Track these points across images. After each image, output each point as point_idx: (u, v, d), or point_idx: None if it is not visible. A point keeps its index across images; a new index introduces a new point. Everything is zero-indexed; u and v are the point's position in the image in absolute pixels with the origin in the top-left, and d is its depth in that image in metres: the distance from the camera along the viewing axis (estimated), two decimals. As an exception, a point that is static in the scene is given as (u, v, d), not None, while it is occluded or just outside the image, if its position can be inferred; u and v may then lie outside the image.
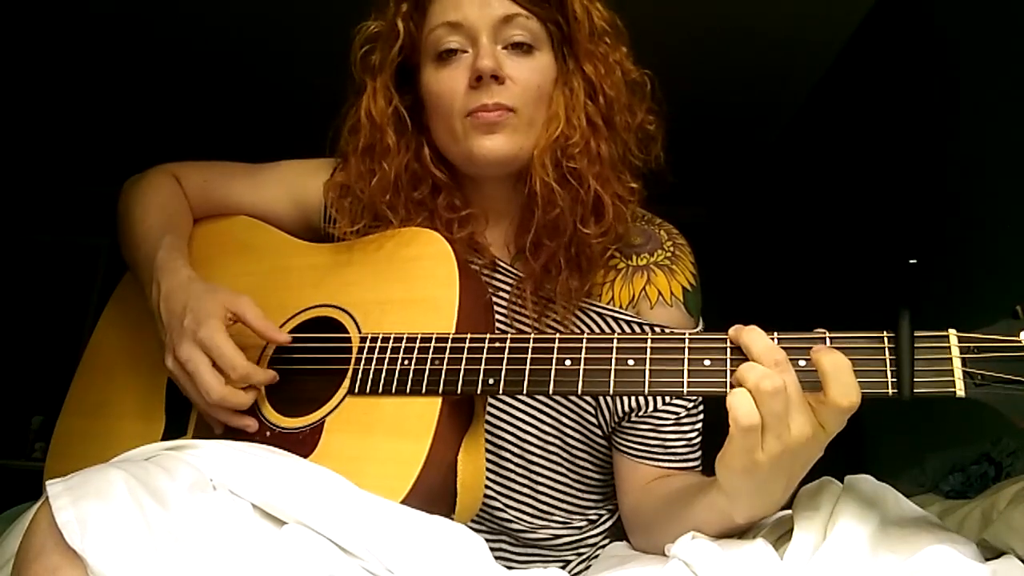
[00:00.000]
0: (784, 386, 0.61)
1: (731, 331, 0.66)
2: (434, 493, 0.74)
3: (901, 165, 2.71)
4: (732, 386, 0.63)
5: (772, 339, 0.65)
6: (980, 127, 2.25)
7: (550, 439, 0.93)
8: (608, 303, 0.94)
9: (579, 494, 0.96)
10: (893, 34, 2.80)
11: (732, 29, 3.02)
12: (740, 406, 0.61)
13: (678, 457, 0.91)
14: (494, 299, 0.91)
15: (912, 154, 2.63)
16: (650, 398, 0.91)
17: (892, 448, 2.57)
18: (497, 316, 0.91)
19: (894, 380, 0.62)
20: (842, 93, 3.25)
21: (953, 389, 0.61)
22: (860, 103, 3.08)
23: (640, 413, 0.91)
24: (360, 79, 0.94)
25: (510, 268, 0.96)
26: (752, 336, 0.64)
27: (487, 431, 0.88)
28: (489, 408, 0.90)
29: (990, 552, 0.69)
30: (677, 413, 0.91)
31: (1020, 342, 0.60)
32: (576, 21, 0.90)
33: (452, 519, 0.75)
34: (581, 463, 0.95)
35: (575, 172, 0.87)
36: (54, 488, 0.56)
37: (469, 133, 0.88)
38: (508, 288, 0.95)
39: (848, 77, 3.17)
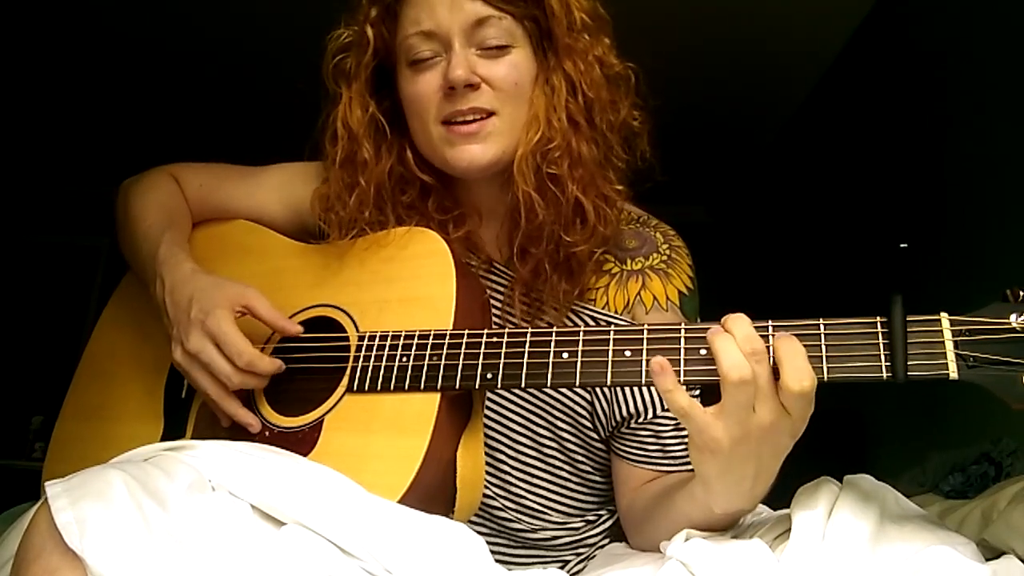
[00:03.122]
0: (753, 377, 0.62)
1: (722, 320, 0.67)
2: (433, 489, 0.74)
3: (893, 160, 2.72)
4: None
5: (767, 327, 0.65)
6: (974, 125, 2.27)
7: (545, 441, 0.93)
8: (603, 308, 0.93)
9: (578, 495, 0.96)
10: (891, 35, 2.81)
11: (731, 30, 3.02)
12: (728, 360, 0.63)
13: (677, 461, 0.91)
14: (490, 300, 0.90)
15: (907, 151, 2.64)
16: (650, 405, 0.90)
17: (892, 448, 2.57)
18: (493, 317, 0.91)
19: (888, 364, 0.63)
20: (840, 94, 3.26)
21: (946, 371, 0.61)
22: (857, 103, 3.08)
23: (640, 420, 0.90)
24: (334, 88, 0.93)
25: (504, 269, 0.96)
26: (736, 324, 0.65)
27: (483, 436, 0.88)
28: (483, 412, 0.90)
29: (990, 552, 0.69)
30: (676, 418, 0.91)
31: (1011, 324, 0.61)
32: (554, 16, 0.87)
33: (452, 516, 0.75)
34: (580, 465, 0.95)
35: (555, 178, 0.86)
36: (53, 489, 0.56)
37: (446, 142, 0.87)
38: (503, 289, 0.94)
39: (846, 78, 3.17)
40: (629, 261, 0.95)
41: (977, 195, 2.24)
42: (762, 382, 0.62)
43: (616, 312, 0.93)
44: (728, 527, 0.75)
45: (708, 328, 0.68)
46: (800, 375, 0.61)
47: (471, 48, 0.86)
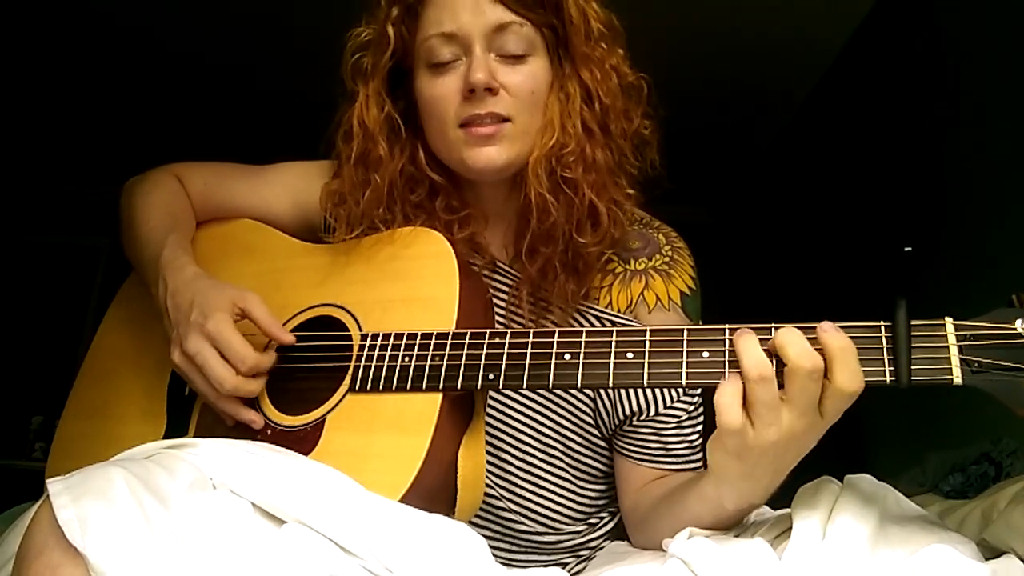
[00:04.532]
0: (772, 376, 0.62)
1: (735, 334, 0.66)
2: (434, 490, 0.74)
3: (898, 163, 2.71)
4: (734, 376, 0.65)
5: (771, 329, 0.65)
6: (976, 126, 2.26)
7: (550, 442, 0.93)
8: (606, 307, 0.94)
9: (582, 496, 0.96)
10: (892, 34, 2.81)
11: (732, 29, 3.02)
12: (726, 409, 0.63)
13: (680, 459, 0.91)
14: (493, 300, 0.90)
15: (909, 152, 2.64)
16: (652, 402, 0.90)
17: (892, 448, 2.57)
18: (496, 317, 0.91)
19: (892, 369, 0.62)
20: (841, 93, 3.25)
21: (950, 377, 0.61)
22: (858, 103, 3.08)
23: (642, 417, 0.91)
24: (352, 86, 0.93)
25: (509, 269, 0.96)
26: (745, 344, 0.64)
27: (488, 435, 0.88)
28: (487, 411, 0.90)
29: (990, 552, 0.69)
30: (679, 416, 0.91)
31: (1016, 330, 0.60)
32: (572, 25, 0.88)
33: (453, 516, 0.75)
34: (583, 465, 0.95)
35: (570, 181, 0.86)
36: (55, 486, 0.56)
37: (463, 144, 0.87)
38: (507, 289, 0.95)
39: (847, 77, 3.17)
40: (632, 261, 0.95)
41: (983, 197, 2.22)
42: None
43: (619, 311, 0.93)
44: (735, 524, 0.75)
45: (711, 330, 0.68)
46: (854, 376, 0.61)
47: (491, 53, 0.86)
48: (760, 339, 0.64)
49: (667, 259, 0.96)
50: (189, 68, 3.53)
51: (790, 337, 0.62)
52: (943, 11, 2.46)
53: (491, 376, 0.74)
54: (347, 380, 0.80)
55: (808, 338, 0.63)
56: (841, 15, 2.92)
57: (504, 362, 0.74)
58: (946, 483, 1.80)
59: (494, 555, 0.66)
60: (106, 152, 4.32)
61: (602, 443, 0.95)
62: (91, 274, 4.64)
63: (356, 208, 0.92)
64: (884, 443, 2.64)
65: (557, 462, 0.94)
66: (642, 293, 0.94)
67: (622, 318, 0.93)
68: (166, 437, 0.89)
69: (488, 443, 0.88)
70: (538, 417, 0.92)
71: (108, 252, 4.61)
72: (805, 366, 0.61)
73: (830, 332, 0.62)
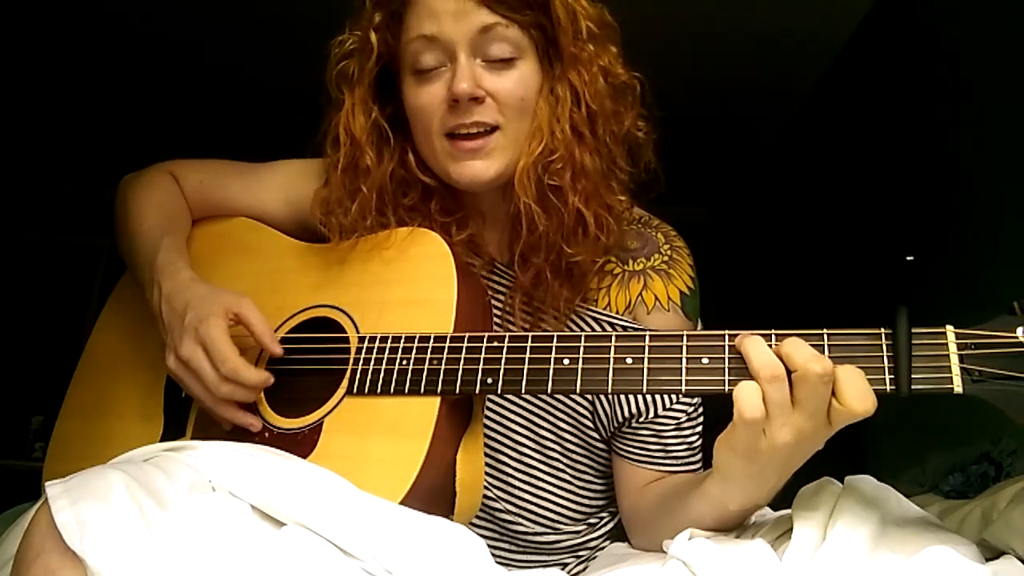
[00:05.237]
0: (784, 376, 0.62)
1: (736, 340, 0.66)
2: (433, 493, 0.74)
3: (900, 163, 2.70)
4: (734, 382, 0.64)
5: (770, 335, 0.65)
6: (979, 125, 2.25)
7: (547, 442, 0.93)
8: (604, 308, 0.93)
9: (581, 497, 0.96)
10: (893, 33, 2.80)
11: (732, 27, 3.02)
12: (745, 398, 0.62)
13: (679, 461, 0.91)
14: (492, 301, 0.90)
15: (911, 152, 2.63)
16: (651, 404, 0.90)
17: (892, 448, 2.56)
18: (494, 318, 0.91)
19: (892, 377, 0.62)
20: (842, 92, 3.25)
21: (951, 385, 0.61)
22: (860, 102, 3.07)
23: (641, 419, 0.90)
24: (337, 94, 0.91)
25: (506, 270, 0.95)
26: (752, 346, 0.64)
27: (485, 436, 0.88)
28: (485, 413, 0.90)
29: (990, 552, 0.69)
30: (678, 418, 0.91)
31: (1018, 338, 0.60)
32: (560, 25, 0.86)
33: (451, 519, 0.75)
34: (581, 466, 0.95)
35: (556, 189, 0.85)
36: (53, 490, 0.56)
37: (449, 156, 0.86)
38: (504, 291, 0.94)
39: (848, 76, 3.17)
40: (631, 262, 0.95)
41: (989, 201, 2.20)
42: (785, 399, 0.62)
43: (617, 313, 0.93)
44: (737, 526, 0.75)
45: (711, 335, 0.68)
46: (863, 396, 0.61)
47: (476, 59, 0.85)
48: None
49: (666, 258, 0.95)
50: (190, 68, 3.53)
51: (796, 344, 0.62)
52: (943, 9, 2.45)
53: (489, 380, 0.73)
54: (344, 383, 0.80)
55: (811, 344, 0.62)
56: (841, 14, 2.92)
57: (502, 367, 0.73)
58: (946, 483, 1.80)
59: (494, 555, 0.66)
60: (106, 152, 4.31)
61: (600, 444, 0.94)
62: (91, 274, 4.64)
63: (345, 219, 0.90)
64: (884, 443, 2.64)
65: (554, 463, 0.93)
66: (640, 294, 0.93)
67: (620, 319, 0.93)
68: (164, 437, 0.89)
69: (485, 443, 0.88)
70: (536, 419, 0.92)
71: (108, 252, 4.60)
72: (816, 370, 0.60)
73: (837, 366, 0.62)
